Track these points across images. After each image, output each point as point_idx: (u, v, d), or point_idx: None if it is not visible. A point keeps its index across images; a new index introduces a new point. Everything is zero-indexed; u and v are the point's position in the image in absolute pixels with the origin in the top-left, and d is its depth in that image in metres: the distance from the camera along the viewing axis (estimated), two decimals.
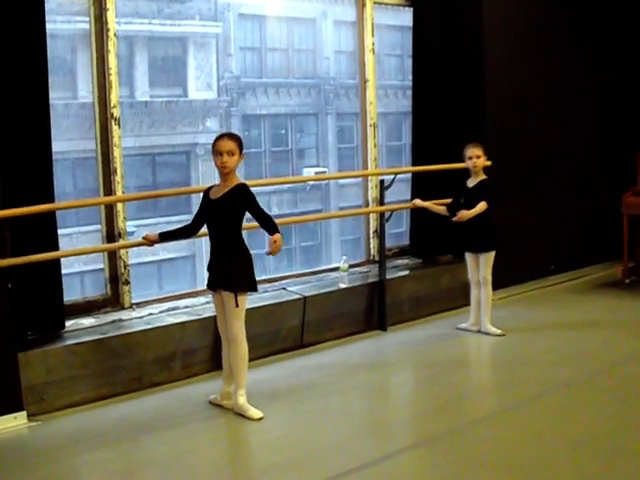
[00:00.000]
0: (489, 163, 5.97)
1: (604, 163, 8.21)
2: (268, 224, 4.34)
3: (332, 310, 5.93)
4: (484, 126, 6.79)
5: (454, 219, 5.81)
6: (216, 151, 4.38)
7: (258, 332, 5.30)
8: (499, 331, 5.95)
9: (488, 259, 5.86)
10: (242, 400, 4.47)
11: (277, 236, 4.23)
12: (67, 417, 4.57)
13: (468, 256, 6.00)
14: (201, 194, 4.60)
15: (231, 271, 4.39)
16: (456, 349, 5.81)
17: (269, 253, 4.26)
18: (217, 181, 4.53)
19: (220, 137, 4.43)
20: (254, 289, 4.48)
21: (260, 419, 4.39)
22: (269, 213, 4.42)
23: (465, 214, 5.73)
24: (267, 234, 4.33)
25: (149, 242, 4.72)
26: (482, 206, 5.70)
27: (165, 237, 4.71)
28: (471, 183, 5.90)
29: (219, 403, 4.64)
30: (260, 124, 9.42)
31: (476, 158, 5.81)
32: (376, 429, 4.43)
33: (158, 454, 4.05)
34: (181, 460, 3.98)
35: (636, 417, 4.40)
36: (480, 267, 5.89)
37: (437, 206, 6.10)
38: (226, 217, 4.39)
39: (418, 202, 6.19)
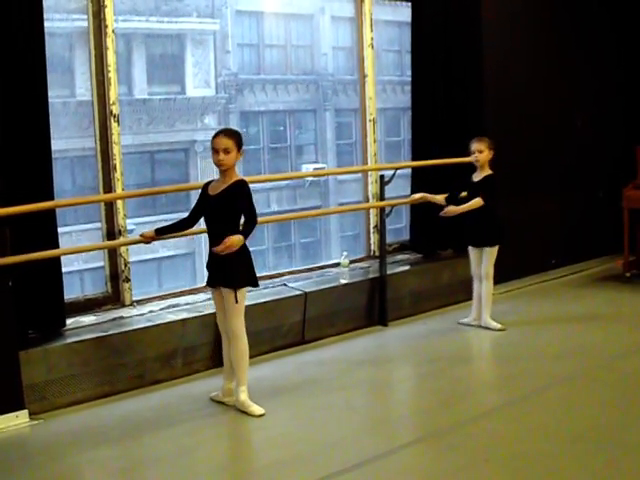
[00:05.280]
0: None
1: (604, 157, 8.20)
2: (246, 224, 4.32)
3: (333, 306, 5.92)
4: (483, 120, 6.79)
5: (441, 213, 5.78)
6: (213, 148, 4.36)
7: (259, 328, 5.30)
8: (500, 325, 5.94)
9: (491, 253, 5.84)
10: (244, 396, 4.46)
11: (233, 238, 4.15)
12: (69, 415, 4.56)
13: (471, 250, 5.98)
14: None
15: (230, 267, 4.35)
16: (457, 344, 5.81)
17: (215, 249, 4.23)
18: (216, 176, 4.52)
19: (217, 134, 4.39)
20: (254, 284, 4.47)
21: (262, 415, 4.38)
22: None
23: (453, 209, 5.71)
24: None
25: (146, 239, 4.72)
26: (475, 203, 5.68)
27: (161, 232, 4.68)
28: (476, 177, 5.87)
29: (221, 400, 4.63)
30: (258, 121, 9.39)
31: (478, 153, 5.77)
32: (379, 424, 4.43)
33: (161, 451, 4.05)
34: (184, 457, 3.97)
35: (638, 410, 4.40)
36: (482, 261, 5.88)
37: (436, 196, 5.99)
38: (225, 213, 4.36)
39: (416, 196, 6.08)
